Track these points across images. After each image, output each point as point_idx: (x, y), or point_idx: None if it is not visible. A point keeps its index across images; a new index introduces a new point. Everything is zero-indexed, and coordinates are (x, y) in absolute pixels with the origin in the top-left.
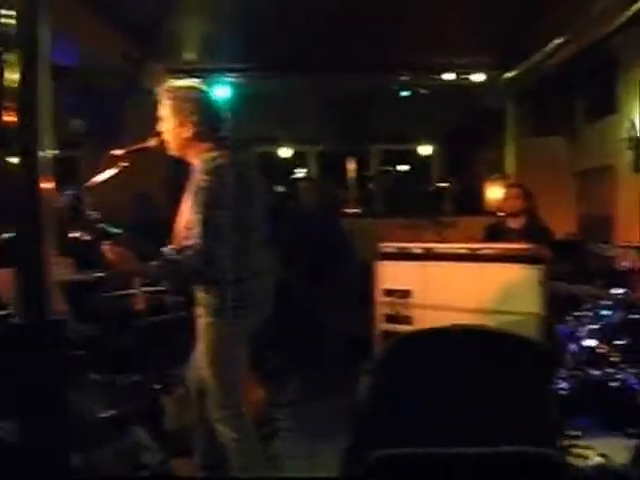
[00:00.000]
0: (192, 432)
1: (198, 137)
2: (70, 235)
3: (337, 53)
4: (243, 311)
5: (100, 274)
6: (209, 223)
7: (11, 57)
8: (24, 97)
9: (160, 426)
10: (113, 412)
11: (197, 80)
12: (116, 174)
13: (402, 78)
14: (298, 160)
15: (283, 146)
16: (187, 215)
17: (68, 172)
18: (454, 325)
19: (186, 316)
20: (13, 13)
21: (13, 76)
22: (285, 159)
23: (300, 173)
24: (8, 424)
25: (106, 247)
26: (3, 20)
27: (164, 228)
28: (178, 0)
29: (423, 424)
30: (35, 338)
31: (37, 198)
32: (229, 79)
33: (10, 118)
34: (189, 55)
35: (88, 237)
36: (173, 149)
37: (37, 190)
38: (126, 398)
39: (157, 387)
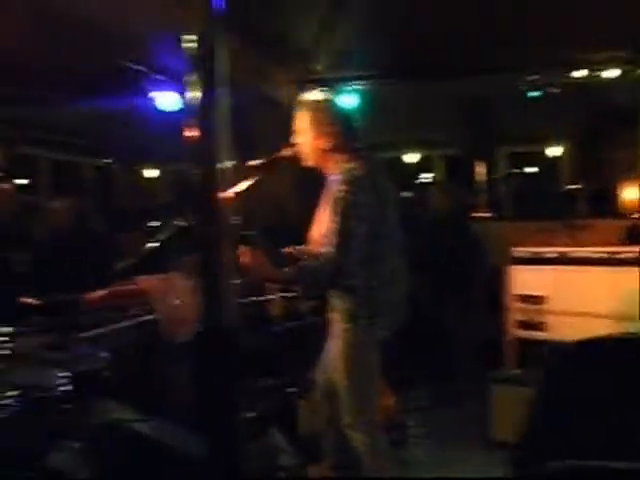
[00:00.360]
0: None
1: (336, 148)
2: None
3: (463, 56)
4: (378, 318)
5: (237, 280)
6: (344, 233)
7: (193, 78)
8: (204, 114)
9: (295, 429)
10: (252, 415)
11: (325, 90)
12: (252, 184)
13: (531, 78)
14: (424, 165)
15: (409, 151)
16: (322, 223)
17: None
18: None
19: (319, 322)
20: (194, 37)
21: (194, 95)
22: (411, 164)
23: (426, 178)
24: (185, 433)
25: (241, 252)
26: (185, 45)
27: (297, 235)
28: (304, 11)
29: (586, 434)
30: (216, 344)
31: (217, 207)
32: (355, 87)
33: (192, 133)
34: (316, 65)
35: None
36: (310, 160)
37: (217, 200)
38: (263, 401)
39: (292, 391)
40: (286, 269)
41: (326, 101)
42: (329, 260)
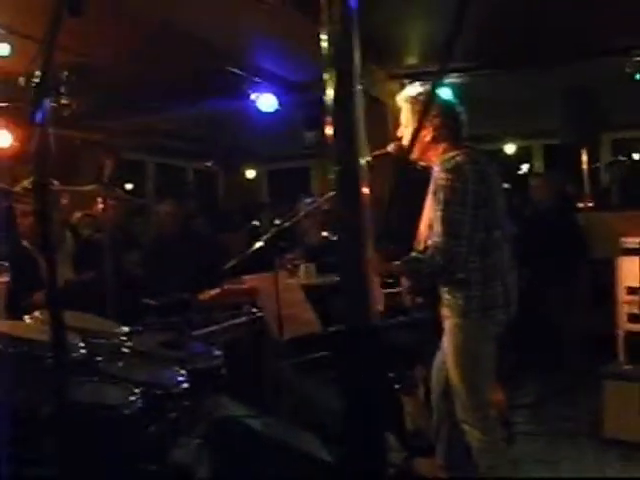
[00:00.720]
0: (432, 432)
1: (439, 139)
2: (323, 235)
3: (560, 43)
4: (492, 311)
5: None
6: (451, 221)
7: (328, 76)
8: (339, 111)
9: (402, 426)
10: None
11: (424, 83)
12: None
13: (637, 59)
14: (524, 155)
15: (508, 142)
16: (429, 216)
17: (302, 181)
18: None
19: (425, 317)
20: (329, 36)
21: (330, 94)
22: (511, 155)
23: (525, 169)
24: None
25: None
26: (323, 44)
27: (403, 231)
28: (398, 6)
29: None
30: (361, 342)
31: (358, 204)
32: (451, 80)
33: (331, 131)
34: (411, 59)
35: (335, 237)
36: (414, 153)
37: (358, 196)
38: None
39: (397, 387)
40: (396, 263)
41: (427, 94)
42: (438, 250)
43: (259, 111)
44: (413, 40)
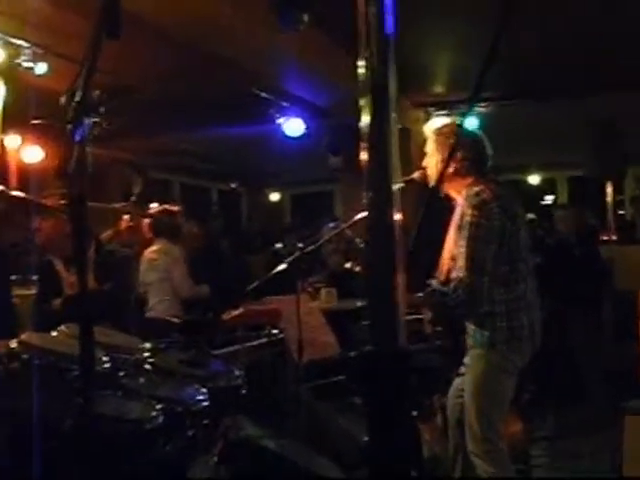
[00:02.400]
0: (448, 460)
1: (461, 172)
2: (344, 266)
3: (587, 75)
4: (518, 343)
5: (361, 303)
6: (475, 257)
7: (364, 102)
8: (374, 137)
9: (419, 453)
10: None
11: (449, 113)
12: None
13: None
14: (549, 187)
15: (533, 173)
16: (451, 248)
17: (325, 205)
18: None
19: (444, 345)
20: (365, 62)
21: (366, 120)
22: (534, 186)
23: (549, 200)
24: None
25: None
26: (360, 70)
27: (423, 260)
28: (425, 34)
29: None
30: (388, 367)
31: (390, 229)
32: (476, 109)
33: (366, 157)
34: (437, 88)
35: (357, 268)
36: (437, 183)
37: (390, 221)
38: None
39: (415, 414)
40: (419, 294)
41: (451, 125)
42: (462, 285)
43: (285, 135)
44: (439, 69)
